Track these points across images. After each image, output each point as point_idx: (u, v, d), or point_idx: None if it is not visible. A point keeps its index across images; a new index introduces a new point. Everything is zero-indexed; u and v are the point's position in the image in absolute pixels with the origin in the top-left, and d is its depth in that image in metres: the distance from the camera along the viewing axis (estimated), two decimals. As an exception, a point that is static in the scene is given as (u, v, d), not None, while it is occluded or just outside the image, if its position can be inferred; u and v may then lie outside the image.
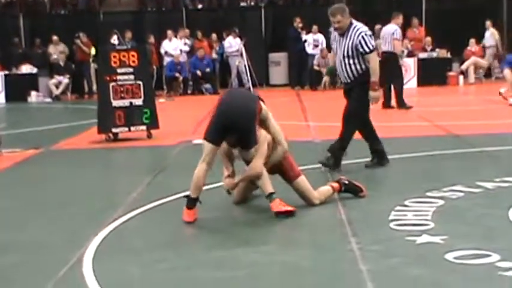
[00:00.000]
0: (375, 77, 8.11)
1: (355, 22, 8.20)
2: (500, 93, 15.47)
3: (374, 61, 8.14)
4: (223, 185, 6.74)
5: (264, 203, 6.45)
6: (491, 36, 22.58)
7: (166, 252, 5.41)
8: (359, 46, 8.07)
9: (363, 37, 8.07)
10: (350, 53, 8.13)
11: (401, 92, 15.21)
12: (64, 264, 5.09)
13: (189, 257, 5.28)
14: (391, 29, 15.15)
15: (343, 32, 8.15)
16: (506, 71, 15.53)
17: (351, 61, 8.16)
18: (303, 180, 6.65)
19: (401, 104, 15.09)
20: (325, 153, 8.42)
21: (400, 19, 15.45)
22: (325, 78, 9.00)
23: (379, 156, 8.55)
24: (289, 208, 6.25)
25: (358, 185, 6.93)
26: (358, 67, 8.17)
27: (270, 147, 6.47)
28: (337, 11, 8.12)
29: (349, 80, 8.29)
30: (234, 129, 6.21)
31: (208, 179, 7.47)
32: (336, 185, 6.87)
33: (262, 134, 6.41)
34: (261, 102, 6.46)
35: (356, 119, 8.39)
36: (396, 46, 15.08)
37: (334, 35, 8.36)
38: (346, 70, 8.23)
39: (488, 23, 22.59)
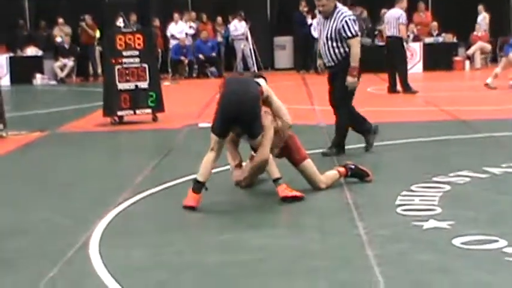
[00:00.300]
0: (354, 62, 8.10)
1: (339, 6, 8.20)
2: (486, 84, 15.29)
3: (355, 46, 8.11)
4: (233, 178, 6.74)
5: (270, 187, 6.44)
6: (483, 20, 22.48)
7: (172, 235, 5.40)
8: (342, 30, 8.06)
9: (346, 21, 8.05)
10: (333, 35, 8.11)
11: (406, 76, 15.17)
12: (70, 248, 5.09)
13: (195, 240, 5.28)
14: (396, 13, 15.08)
15: (327, 15, 8.14)
16: (511, 56, 15.40)
17: (334, 44, 8.14)
18: (309, 163, 6.64)
19: (406, 88, 15.05)
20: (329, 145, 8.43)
21: (404, 3, 15.37)
22: (319, 62, 8.60)
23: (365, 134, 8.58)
24: (296, 193, 6.25)
25: (365, 169, 6.91)
26: (341, 50, 8.15)
27: (278, 131, 6.45)
28: None
29: (332, 63, 8.27)
30: (238, 122, 6.23)
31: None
32: (342, 169, 6.85)
33: (268, 119, 6.39)
34: (262, 81, 6.47)
35: (345, 103, 8.36)
36: (402, 31, 15.03)
37: (319, 17, 8.34)
38: (330, 53, 8.21)
39: (480, 7, 22.48)
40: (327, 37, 8.18)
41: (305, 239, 5.18)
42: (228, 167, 6.96)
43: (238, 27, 22.56)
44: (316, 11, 8.45)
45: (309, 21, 22.44)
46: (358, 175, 6.88)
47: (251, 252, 4.93)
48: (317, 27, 8.51)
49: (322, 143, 8.84)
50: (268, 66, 23.03)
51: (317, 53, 8.75)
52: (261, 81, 6.52)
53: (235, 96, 6.26)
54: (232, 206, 6.28)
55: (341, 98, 8.31)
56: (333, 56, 8.22)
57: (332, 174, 6.79)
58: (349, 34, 8.06)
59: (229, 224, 5.70)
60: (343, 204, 6.15)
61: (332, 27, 8.11)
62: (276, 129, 6.43)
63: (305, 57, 22.47)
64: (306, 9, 22.40)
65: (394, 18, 15.03)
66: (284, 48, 23.70)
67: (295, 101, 14.19)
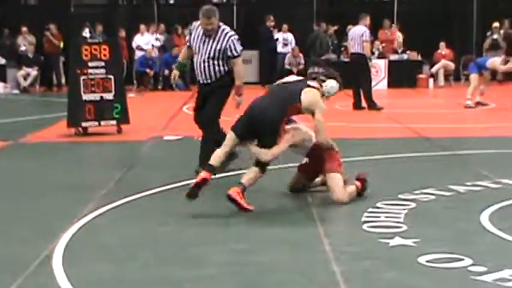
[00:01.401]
0: (239, 80, 8.15)
1: (222, 25, 8.19)
2: (479, 103, 15.37)
3: (240, 65, 8.16)
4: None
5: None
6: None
7: (137, 249, 5.35)
8: (228, 50, 8.05)
9: (232, 41, 8.07)
10: (217, 54, 8.06)
11: (371, 93, 15.27)
12: (33, 261, 5.00)
13: (159, 255, 5.22)
14: (360, 30, 15.21)
15: (211, 34, 8.09)
16: (474, 76, 15.47)
17: (216, 62, 8.09)
18: (334, 176, 6.74)
19: (371, 105, 15.15)
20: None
21: (367, 20, 15.50)
22: (175, 73, 8.61)
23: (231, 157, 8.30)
24: (243, 204, 6.37)
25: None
26: (222, 68, 8.13)
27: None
28: (213, 14, 8.03)
29: (209, 81, 8.18)
30: (254, 133, 6.60)
31: (178, 178, 7.47)
32: (358, 183, 6.92)
33: (290, 134, 6.75)
34: (311, 92, 6.70)
35: (213, 122, 8.24)
36: (366, 48, 15.14)
37: (198, 33, 8.17)
38: (210, 71, 8.13)
39: None
40: (208, 55, 8.09)
41: (270, 254, 5.16)
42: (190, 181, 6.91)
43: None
44: (192, 26, 8.32)
45: (276, 35, 22.52)
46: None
47: (216, 267, 4.89)
48: (195, 42, 8.21)
49: (285, 158, 8.83)
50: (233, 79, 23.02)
51: (178, 66, 8.70)
52: (310, 89, 6.72)
53: (258, 111, 6.64)
54: (197, 221, 6.22)
55: (211, 116, 8.21)
56: (212, 74, 8.13)
57: (352, 190, 6.82)
58: (235, 53, 8.06)
59: (195, 239, 5.65)
60: (309, 220, 6.14)
61: (216, 47, 8.06)
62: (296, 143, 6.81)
63: (271, 71, 22.53)
64: (272, 23, 22.47)
65: (358, 35, 15.15)
66: (250, 62, 23.69)
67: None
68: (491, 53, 22.01)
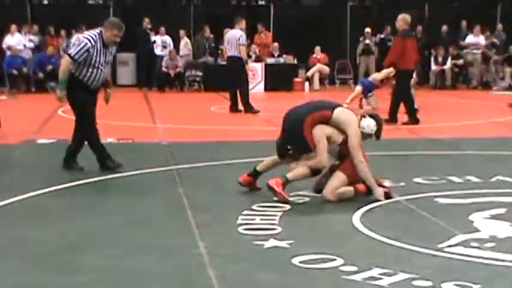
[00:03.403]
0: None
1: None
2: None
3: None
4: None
5: (111, 207, 6.30)
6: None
7: (8, 256, 5.19)
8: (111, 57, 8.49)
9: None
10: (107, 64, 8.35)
11: (247, 96, 15.39)
12: None
13: (33, 261, 5.09)
14: (236, 34, 15.32)
15: (109, 45, 8.25)
16: (358, 87, 15.82)
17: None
18: (335, 175, 6.91)
19: (248, 108, 15.27)
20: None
21: (243, 24, 15.62)
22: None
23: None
24: (281, 192, 6.74)
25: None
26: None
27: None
28: (122, 27, 8.24)
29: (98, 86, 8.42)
30: (286, 138, 7.26)
31: (50, 182, 7.32)
32: (362, 187, 6.94)
33: (322, 130, 6.97)
34: (346, 112, 7.10)
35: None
36: (242, 51, 15.26)
37: (98, 47, 8.12)
38: (103, 78, 8.36)
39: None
40: (106, 63, 8.28)
41: (145, 260, 5.11)
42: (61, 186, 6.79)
43: (79, 41, 22.07)
44: (90, 38, 8.12)
45: (153, 38, 22.37)
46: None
47: (90, 273, 4.81)
48: (93, 54, 8.11)
49: (164, 161, 8.81)
50: (110, 82, 22.72)
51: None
52: (342, 112, 7.08)
53: (287, 115, 7.27)
54: (71, 226, 6.10)
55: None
56: (102, 80, 8.37)
57: (345, 190, 6.89)
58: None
59: (68, 244, 5.52)
60: (184, 223, 6.12)
61: (110, 56, 8.32)
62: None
63: (148, 74, 22.39)
64: (149, 26, 22.32)
65: (234, 38, 15.25)
66: (127, 65, 23.46)
67: (137, 119, 14.11)
68: (363, 58, 22.70)
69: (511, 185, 7.73)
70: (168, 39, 22.57)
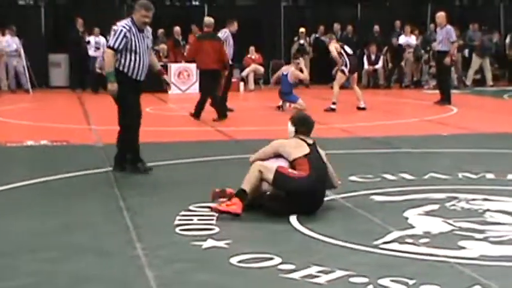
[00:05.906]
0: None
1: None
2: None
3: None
4: None
5: (45, 210, 6.21)
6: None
7: None
8: (150, 43, 8.46)
9: (151, 34, 8.50)
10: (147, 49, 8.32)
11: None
12: None
13: (-36, 267, 4.99)
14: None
15: (143, 28, 8.23)
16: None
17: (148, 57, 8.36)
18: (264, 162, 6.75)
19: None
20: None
21: (234, 26, 15.98)
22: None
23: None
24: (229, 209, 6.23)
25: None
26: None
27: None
28: (150, 7, 8.21)
29: (144, 77, 8.34)
30: None
31: None
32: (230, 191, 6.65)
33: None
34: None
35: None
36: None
37: (133, 31, 8.15)
38: (146, 66, 8.32)
39: None
40: (146, 49, 8.27)
41: (82, 262, 5.06)
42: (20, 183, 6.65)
43: (10, 42, 21.71)
44: (124, 24, 8.14)
45: (87, 38, 22.08)
46: None
47: (26, 277, 4.73)
48: (131, 39, 8.12)
49: (98, 163, 8.73)
50: (43, 84, 22.39)
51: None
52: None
53: None
54: (6, 229, 5.99)
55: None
56: (146, 69, 8.34)
57: (252, 175, 6.56)
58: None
59: (4, 249, 5.42)
60: (121, 225, 6.07)
61: (147, 41, 8.32)
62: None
63: (81, 75, 22.11)
64: (81, 28, 22.05)
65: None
66: (59, 66, 23.12)
67: (71, 121, 13.94)
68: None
69: (444, 181, 7.90)
70: (102, 40, 22.30)
